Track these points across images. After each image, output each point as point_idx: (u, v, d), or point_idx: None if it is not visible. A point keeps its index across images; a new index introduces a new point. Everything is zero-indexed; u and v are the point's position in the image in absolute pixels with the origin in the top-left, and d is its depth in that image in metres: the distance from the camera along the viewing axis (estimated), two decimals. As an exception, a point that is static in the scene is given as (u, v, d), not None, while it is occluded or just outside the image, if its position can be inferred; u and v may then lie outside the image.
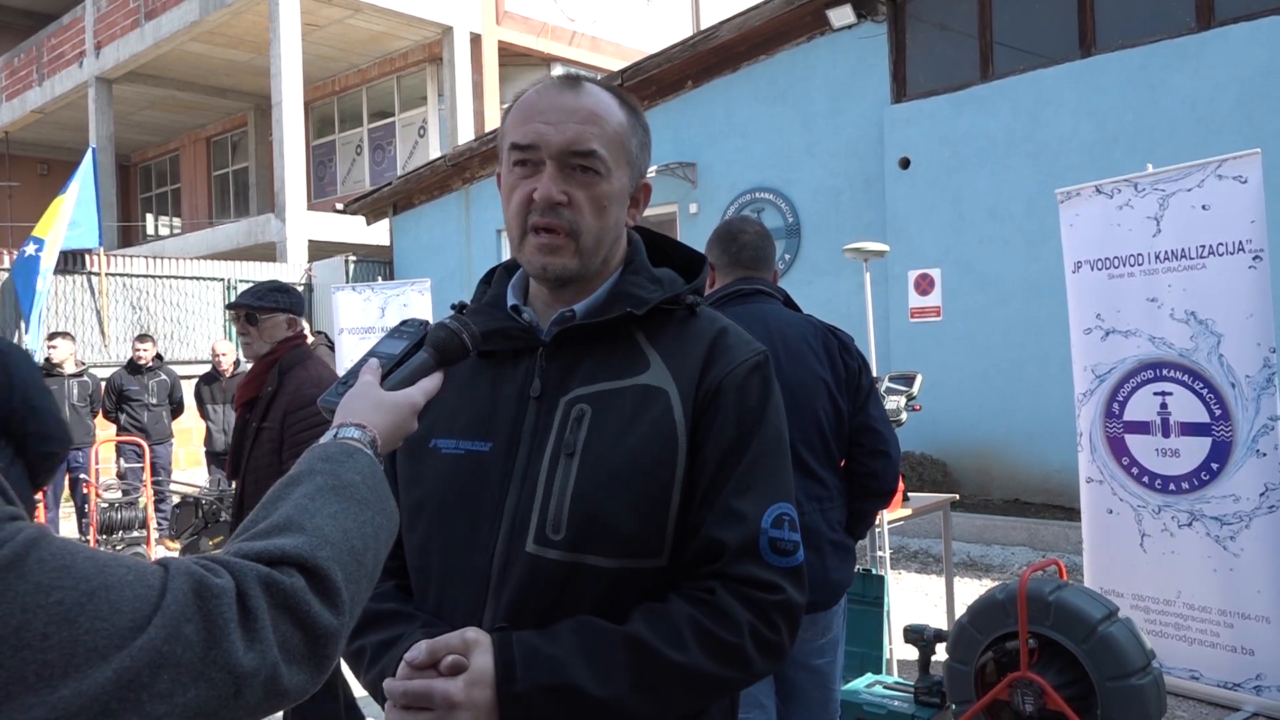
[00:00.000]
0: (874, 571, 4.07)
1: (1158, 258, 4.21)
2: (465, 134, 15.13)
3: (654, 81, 10.31)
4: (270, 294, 3.18)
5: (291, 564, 0.80)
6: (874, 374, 2.92)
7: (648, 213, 10.68)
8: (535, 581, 1.15)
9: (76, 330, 10.85)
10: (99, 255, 11.39)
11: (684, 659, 1.10)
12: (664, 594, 1.17)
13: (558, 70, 16.56)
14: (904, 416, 4.39)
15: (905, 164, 8.63)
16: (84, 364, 8.42)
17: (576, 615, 1.14)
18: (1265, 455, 3.90)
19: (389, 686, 1.08)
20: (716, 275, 2.69)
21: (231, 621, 0.73)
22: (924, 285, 8.49)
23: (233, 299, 12.68)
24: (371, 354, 1.16)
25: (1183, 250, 4.13)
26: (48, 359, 8.27)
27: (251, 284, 12.79)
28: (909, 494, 4.62)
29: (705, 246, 2.73)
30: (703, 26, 14.14)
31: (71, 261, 11.34)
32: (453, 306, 1.28)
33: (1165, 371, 4.20)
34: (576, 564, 1.14)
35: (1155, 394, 4.24)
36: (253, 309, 3.14)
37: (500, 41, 16.29)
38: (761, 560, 1.16)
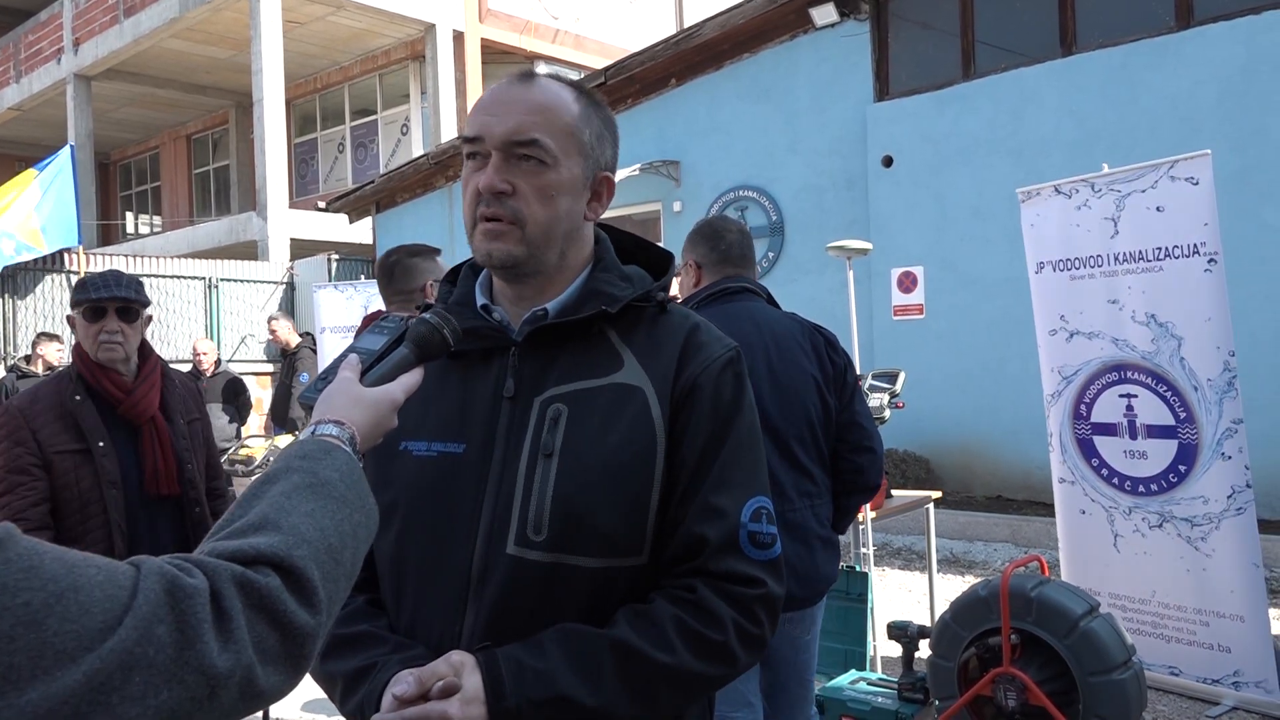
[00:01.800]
0: (858, 568, 4.08)
1: (1117, 259, 4.20)
2: (448, 132, 15.06)
3: (637, 80, 10.30)
4: (137, 284, 2.76)
5: (267, 563, 0.79)
6: (857, 371, 2.94)
7: (631, 211, 10.58)
8: (518, 583, 1.14)
9: (55, 329, 10.73)
10: (78, 254, 11.24)
11: (671, 660, 1.11)
12: (647, 593, 1.17)
13: (541, 68, 16.53)
14: (887, 414, 4.40)
15: (888, 162, 8.65)
16: (59, 363, 8.32)
17: (560, 617, 1.13)
18: (1231, 458, 3.90)
19: None
20: (702, 274, 2.69)
21: (205, 622, 0.72)
22: (907, 283, 8.52)
23: (218, 298, 12.64)
24: (351, 349, 1.15)
25: (1140, 252, 4.11)
26: (25, 358, 8.18)
27: (234, 282, 12.79)
28: (892, 491, 4.63)
29: (686, 244, 2.74)
30: (686, 24, 14.13)
31: (50, 260, 11.22)
32: (418, 307, 1.27)
33: (1129, 374, 4.20)
34: (559, 565, 1.14)
35: (1121, 396, 4.23)
36: (134, 303, 2.70)
37: (483, 39, 16.24)
38: (742, 554, 1.17)
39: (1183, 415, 4.03)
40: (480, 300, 1.29)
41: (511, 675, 1.07)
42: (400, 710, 1.05)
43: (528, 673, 1.07)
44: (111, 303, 2.68)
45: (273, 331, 8.87)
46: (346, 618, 1.23)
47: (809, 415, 2.51)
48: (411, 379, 1.12)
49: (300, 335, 9.31)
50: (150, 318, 2.84)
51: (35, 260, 11.02)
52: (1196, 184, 3.93)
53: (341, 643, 1.20)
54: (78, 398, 2.68)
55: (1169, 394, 4.07)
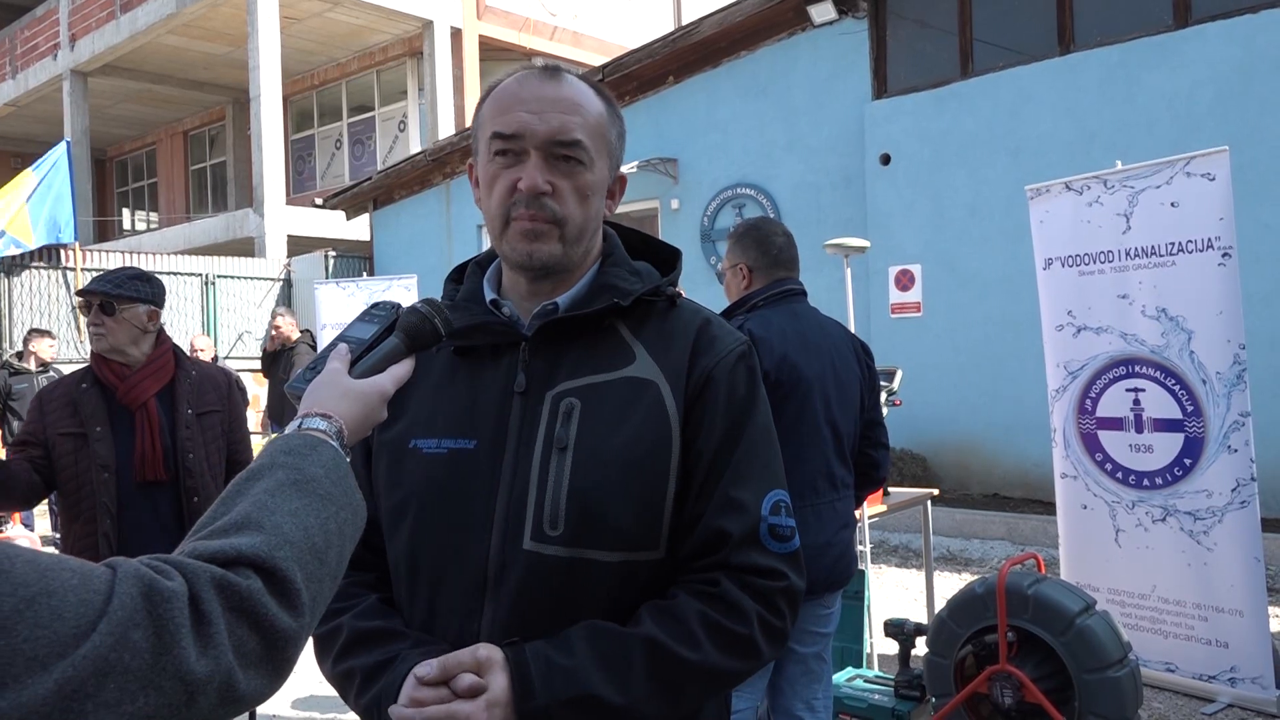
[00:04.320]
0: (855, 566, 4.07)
1: (1128, 254, 4.23)
2: (446, 129, 15.04)
3: (635, 77, 10.28)
4: (127, 281, 2.84)
5: (248, 565, 0.77)
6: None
7: (629, 209, 10.60)
8: (536, 579, 1.13)
9: (51, 326, 10.72)
10: (74, 250, 11.24)
11: (698, 656, 1.10)
12: (664, 588, 1.17)
13: (539, 64, 16.49)
14: (884, 411, 4.40)
15: (886, 160, 8.64)
16: (53, 359, 8.29)
17: (580, 613, 1.12)
18: (1236, 451, 3.92)
19: (400, 714, 1.05)
20: (754, 276, 2.78)
21: (183, 626, 0.70)
22: (904, 281, 8.51)
23: (215, 294, 12.62)
24: (340, 338, 1.12)
25: (1152, 247, 4.15)
26: (18, 354, 8.16)
27: (231, 279, 12.78)
28: (889, 488, 4.63)
29: (732, 248, 2.83)
30: (684, 22, 14.11)
31: (47, 256, 11.20)
32: None
33: (1137, 368, 4.22)
34: (577, 559, 1.13)
35: (1128, 390, 4.26)
36: (111, 297, 2.79)
37: (481, 36, 16.21)
38: (763, 548, 1.17)
39: (1190, 409, 4.05)
40: (489, 295, 1.28)
41: (540, 674, 1.06)
42: (420, 690, 1.04)
43: (556, 671, 1.06)
44: (93, 296, 2.79)
45: (276, 327, 8.84)
46: (363, 613, 1.21)
47: (857, 413, 2.75)
48: (402, 370, 1.10)
49: (301, 332, 9.29)
50: (152, 312, 2.90)
51: (31, 257, 11.00)
52: (1213, 179, 3.96)
53: (360, 638, 1.18)
54: (84, 385, 2.82)
55: (1177, 387, 4.09)
